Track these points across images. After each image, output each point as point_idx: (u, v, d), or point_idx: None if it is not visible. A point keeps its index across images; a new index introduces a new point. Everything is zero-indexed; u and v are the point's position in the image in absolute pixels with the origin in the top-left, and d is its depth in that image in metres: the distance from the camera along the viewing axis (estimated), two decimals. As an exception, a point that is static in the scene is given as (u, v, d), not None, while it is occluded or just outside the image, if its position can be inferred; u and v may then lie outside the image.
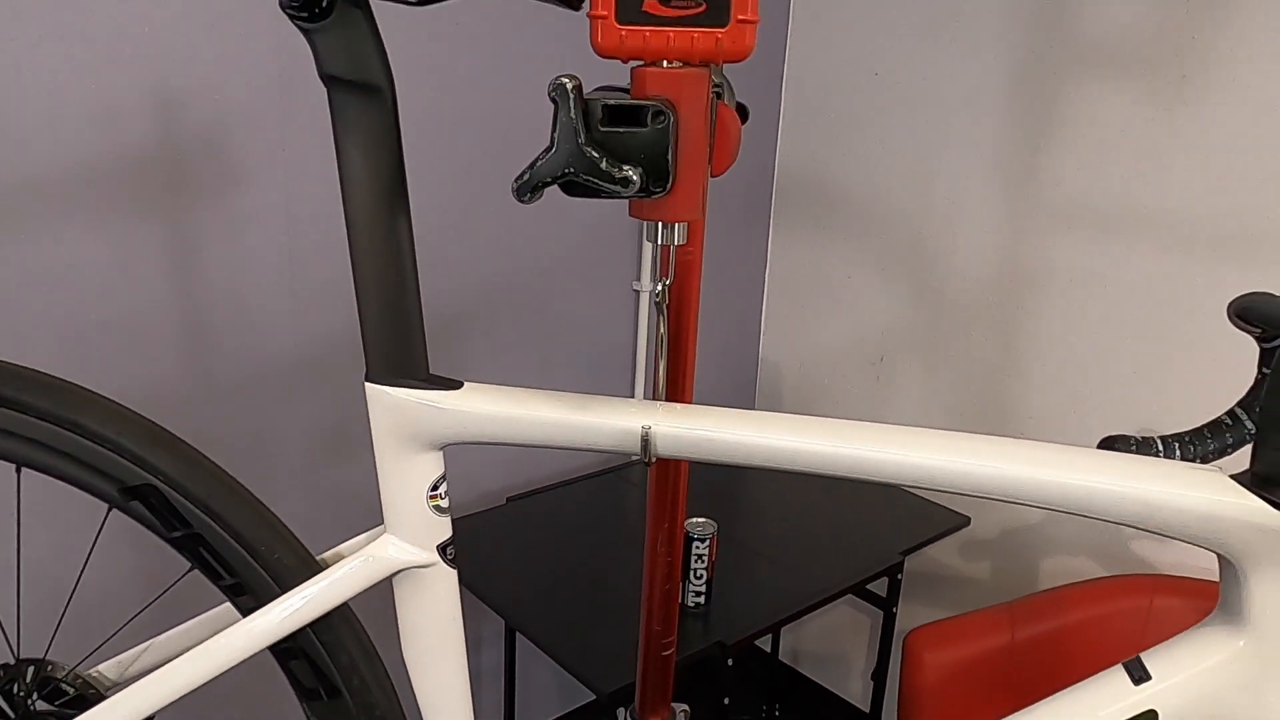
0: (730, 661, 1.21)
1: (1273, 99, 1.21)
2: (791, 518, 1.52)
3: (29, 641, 0.92)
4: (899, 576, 1.48)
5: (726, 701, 1.27)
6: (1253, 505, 0.52)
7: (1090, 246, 1.41)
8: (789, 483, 1.63)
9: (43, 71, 1.01)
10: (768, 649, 1.93)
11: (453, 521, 0.65)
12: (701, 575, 1.27)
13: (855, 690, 1.87)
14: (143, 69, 1.07)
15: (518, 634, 1.48)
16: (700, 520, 1.28)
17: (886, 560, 1.40)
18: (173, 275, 1.15)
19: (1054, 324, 1.47)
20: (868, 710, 1.78)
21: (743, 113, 0.77)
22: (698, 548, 1.26)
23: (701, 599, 1.27)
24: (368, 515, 1.38)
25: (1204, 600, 1.27)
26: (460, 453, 1.47)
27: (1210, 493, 0.52)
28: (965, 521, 1.54)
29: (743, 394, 1.94)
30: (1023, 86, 1.45)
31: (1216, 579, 0.57)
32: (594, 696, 1.19)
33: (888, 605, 1.54)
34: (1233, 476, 0.53)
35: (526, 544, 1.39)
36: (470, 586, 1.28)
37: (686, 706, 0.95)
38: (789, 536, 1.46)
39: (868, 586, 1.45)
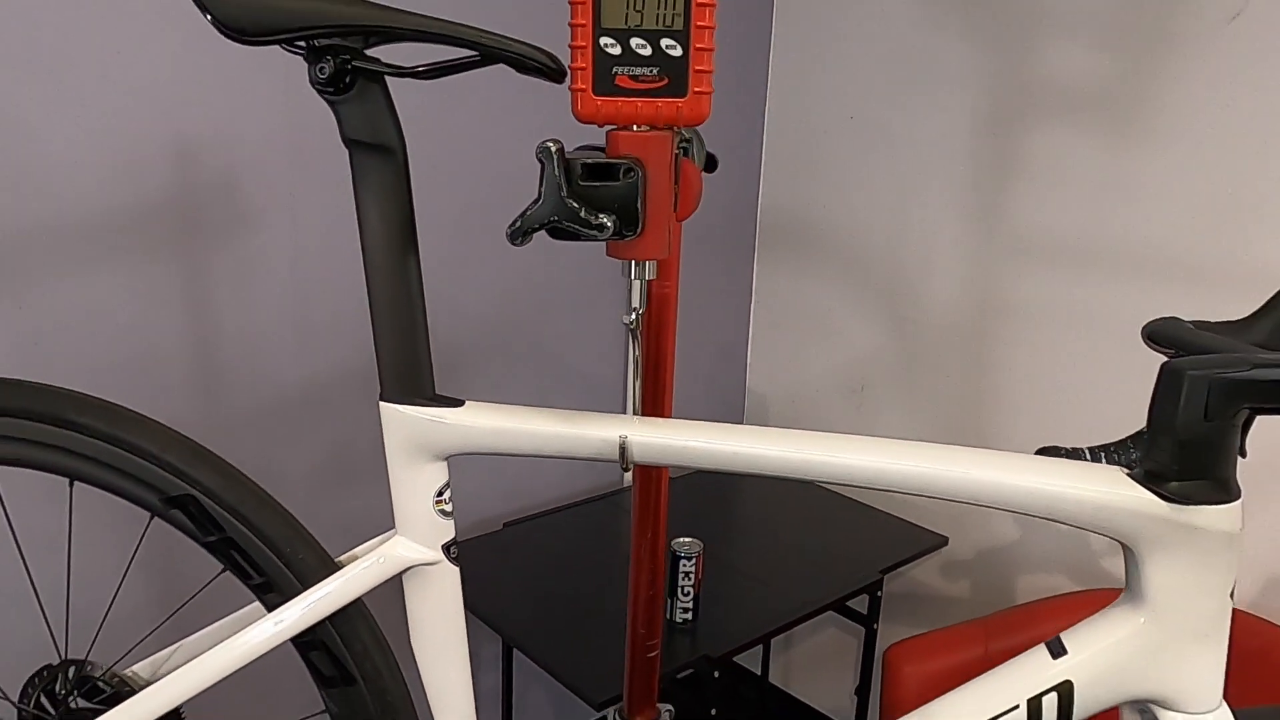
0: (716, 674, 1.28)
1: (1215, 142, 1.31)
2: (776, 538, 1.58)
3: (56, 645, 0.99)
4: (879, 594, 1.55)
5: (714, 712, 1.33)
6: (1142, 497, 0.60)
7: (1056, 278, 1.49)
8: (773, 504, 1.70)
9: (70, 127, 1.09)
10: (758, 671, 1.98)
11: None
12: (689, 592, 1.33)
13: (845, 709, 1.92)
14: (161, 123, 1.15)
15: (515, 656, 1.55)
16: (687, 540, 1.34)
17: (867, 578, 1.46)
18: (187, 314, 1.23)
19: (1024, 351, 1.55)
20: (854, 726, 1.83)
21: (712, 162, 0.87)
22: (685, 565, 1.32)
23: (689, 615, 1.33)
24: (368, 537, 1.46)
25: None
26: (459, 482, 1.55)
27: (1106, 486, 0.60)
28: (943, 541, 1.61)
29: (731, 422, 2.02)
30: (991, 129, 1.54)
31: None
32: (590, 716, 1.26)
33: (869, 623, 1.61)
34: (1127, 473, 0.62)
35: (523, 567, 1.45)
36: (470, 607, 1.34)
37: (671, 707, 1.02)
38: (773, 556, 1.52)
39: (850, 605, 1.51)
